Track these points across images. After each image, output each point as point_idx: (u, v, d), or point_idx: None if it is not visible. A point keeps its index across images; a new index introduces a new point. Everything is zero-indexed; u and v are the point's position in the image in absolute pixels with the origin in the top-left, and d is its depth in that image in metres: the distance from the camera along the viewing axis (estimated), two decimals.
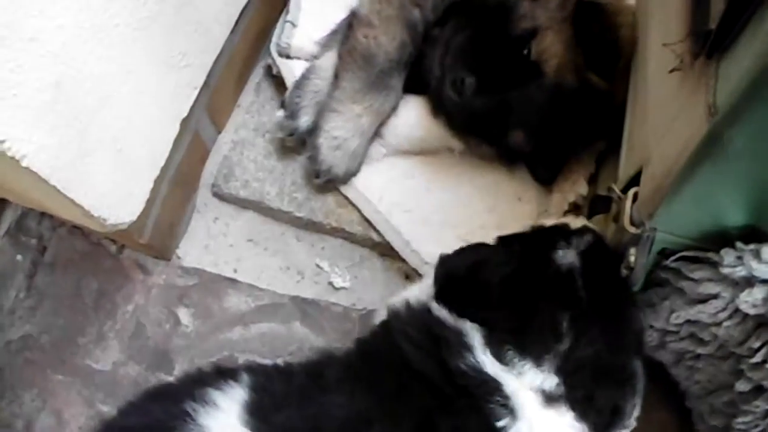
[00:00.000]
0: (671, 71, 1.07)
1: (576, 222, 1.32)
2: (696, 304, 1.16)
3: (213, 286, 1.66)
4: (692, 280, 1.14)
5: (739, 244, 1.06)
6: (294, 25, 1.77)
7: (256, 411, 1.11)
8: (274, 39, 1.81)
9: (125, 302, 1.66)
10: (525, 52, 1.50)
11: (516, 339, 1.08)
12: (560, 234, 1.25)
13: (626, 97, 1.44)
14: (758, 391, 1.14)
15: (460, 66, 1.54)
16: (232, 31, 1.65)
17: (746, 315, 1.09)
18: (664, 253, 1.17)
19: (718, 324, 1.14)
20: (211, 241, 1.73)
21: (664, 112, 1.14)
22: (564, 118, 1.53)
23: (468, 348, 1.08)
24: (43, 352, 1.62)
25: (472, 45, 1.54)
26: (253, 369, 1.23)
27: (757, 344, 1.10)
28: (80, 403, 1.57)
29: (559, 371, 1.07)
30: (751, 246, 1.04)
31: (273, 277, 1.68)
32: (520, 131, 1.56)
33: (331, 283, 1.68)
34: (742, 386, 1.15)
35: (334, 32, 1.74)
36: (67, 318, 1.65)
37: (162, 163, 1.47)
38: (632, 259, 1.21)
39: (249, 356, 1.59)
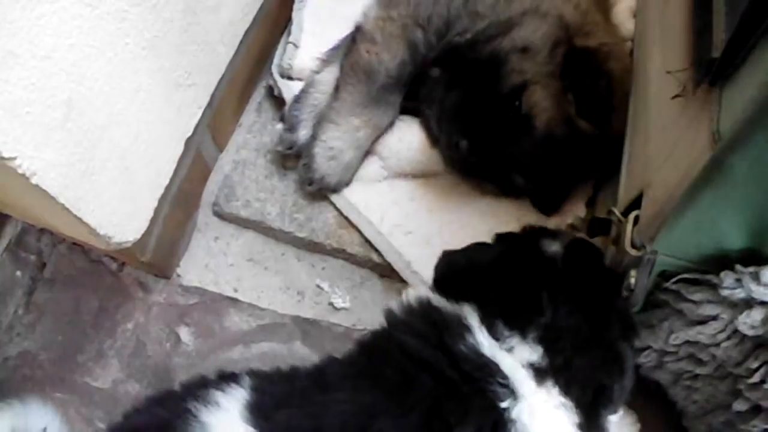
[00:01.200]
0: (673, 98, 1.09)
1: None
2: (695, 325, 1.16)
3: (214, 305, 1.66)
4: (692, 301, 1.15)
5: (738, 267, 1.07)
6: (296, 47, 1.79)
7: (258, 409, 1.12)
8: (275, 60, 1.83)
9: (125, 320, 1.65)
10: (516, 104, 1.53)
11: (504, 313, 1.13)
12: (549, 232, 1.35)
13: (624, 126, 1.46)
14: (756, 410, 1.15)
15: (454, 129, 1.58)
16: (235, 52, 1.67)
17: (745, 336, 1.10)
18: (664, 275, 1.18)
19: (717, 345, 1.15)
20: (212, 260, 1.73)
21: (666, 137, 1.15)
22: (558, 163, 1.57)
23: (468, 329, 1.12)
24: (42, 369, 1.61)
25: (464, 106, 1.57)
26: (255, 372, 1.24)
27: (755, 365, 1.11)
28: (79, 421, 1.56)
29: (542, 340, 1.11)
30: (751, 268, 1.05)
31: (273, 297, 1.69)
32: (519, 176, 1.61)
33: (331, 304, 1.68)
34: (740, 406, 1.16)
35: (335, 48, 1.76)
36: (66, 335, 1.64)
37: (166, 182, 1.48)
38: (632, 281, 1.22)
39: None
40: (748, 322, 1.07)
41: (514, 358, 1.10)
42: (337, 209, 1.70)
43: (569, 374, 1.09)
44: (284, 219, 1.70)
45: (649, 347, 1.28)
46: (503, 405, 1.06)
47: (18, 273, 1.70)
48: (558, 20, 1.56)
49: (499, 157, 1.56)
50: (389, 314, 1.24)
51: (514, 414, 1.06)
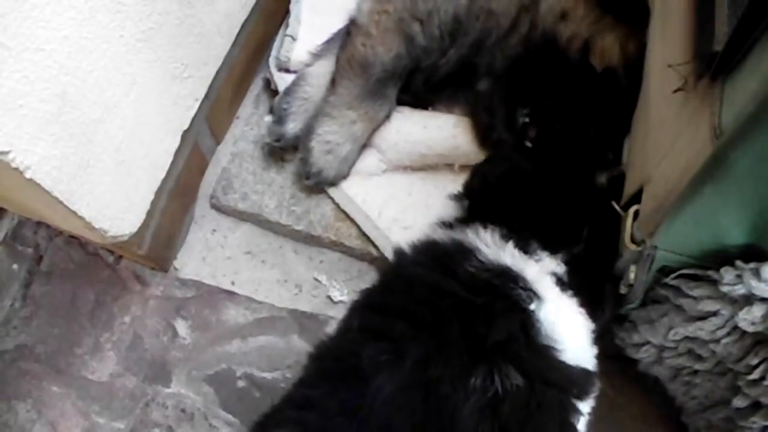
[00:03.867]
0: (674, 92, 1.08)
1: None
2: (695, 321, 1.16)
3: (211, 298, 1.66)
4: (692, 297, 1.14)
5: (738, 263, 1.06)
6: (294, 39, 1.78)
7: None
8: (273, 53, 1.81)
9: (122, 313, 1.65)
10: (590, 67, 1.52)
11: (541, 235, 1.23)
12: (605, 159, 1.45)
13: None
14: (756, 407, 1.14)
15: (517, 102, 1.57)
16: (233, 43, 1.66)
17: (745, 332, 1.09)
18: (664, 271, 1.18)
19: (717, 341, 1.14)
20: (209, 253, 1.72)
21: (666, 131, 1.14)
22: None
23: (471, 252, 1.20)
24: (39, 362, 1.61)
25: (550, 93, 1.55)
26: None
27: (755, 361, 1.10)
28: (75, 414, 1.56)
29: (568, 262, 1.23)
30: (751, 264, 1.04)
31: (270, 290, 1.68)
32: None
33: (329, 297, 1.67)
34: (739, 402, 1.16)
35: (327, 41, 1.75)
36: (63, 328, 1.64)
37: (163, 175, 1.47)
38: (632, 276, 1.22)
39: (247, 369, 1.58)
40: (749, 318, 1.06)
41: (541, 268, 1.20)
42: (335, 202, 1.69)
43: (583, 294, 1.21)
44: (282, 212, 1.69)
45: (648, 342, 1.28)
46: (530, 307, 1.14)
47: (15, 266, 1.69)
48: None
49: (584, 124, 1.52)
50: (399, 253, 1.30)
51: (541, 314, 1.14)
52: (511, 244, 1.20)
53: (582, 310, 1.20)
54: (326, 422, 1.08)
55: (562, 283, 1.20)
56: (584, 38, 1.53)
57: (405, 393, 1.07)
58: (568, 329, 1.16)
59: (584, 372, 1.17)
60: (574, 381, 1.15)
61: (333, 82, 1.65)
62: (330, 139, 1.62)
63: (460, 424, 1.06)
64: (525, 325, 1.12)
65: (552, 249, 1.22)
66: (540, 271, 1.19)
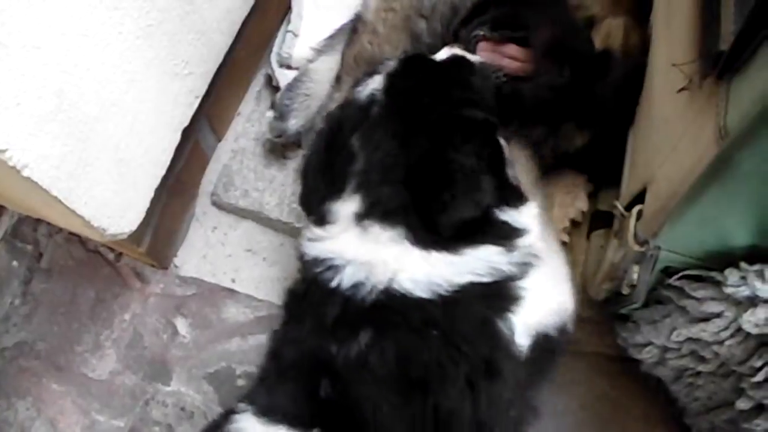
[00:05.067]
0: (679, 91, 1.07)
1: None
2: (698, 323, 1.15)
3: (211, 296, 1.65)
4: (695, 298, 1.14)
5: (743, 264, 1.05)
6: (295, 35, 1.76)
7: None
8: (275, 49, 1.80)
9: (122, 311, 1.65)
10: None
11: None
12: None
13: None
14: (759, 409, 1.14)
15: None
16: (234, 40, 1.64)
17: (749, 334, 1.08)
18: (667, 272, 1.17)
19: (720, 342, 1.13)
20: (210, 251, 1.71)
21: (670, 130, 1.13)
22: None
23: None
24: (38, 359, 1.61)
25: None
26: None
27: (759, 363, 1.10)
28: (75, 412, 1.56)
29: None
30: (756, 266, 1.04)
31: (271, 288, 1.67)
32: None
33: None
34: (743, 404, 1.15)
35: (330, 38, 1.72)
36: (62, 326, 1.64)
37: (163, 172, 1.46)
38: (635, 276, 1.21)
39: (247, 368, 1.58)
40: (753, 320, 1.06)
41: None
42: None
43: None
44: (283, 209, 1.68)
45: (651, 343, 1.27)
46: None
47: (14, 263, 1.69)
48: None
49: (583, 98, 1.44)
50: None
51: None
52: None
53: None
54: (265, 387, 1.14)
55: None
56: (593, 13, 1.47)
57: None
58: None
59: None
60: None
61: (338, 80, 1.63)
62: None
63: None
64: None
65: None
66: None
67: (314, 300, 1.12)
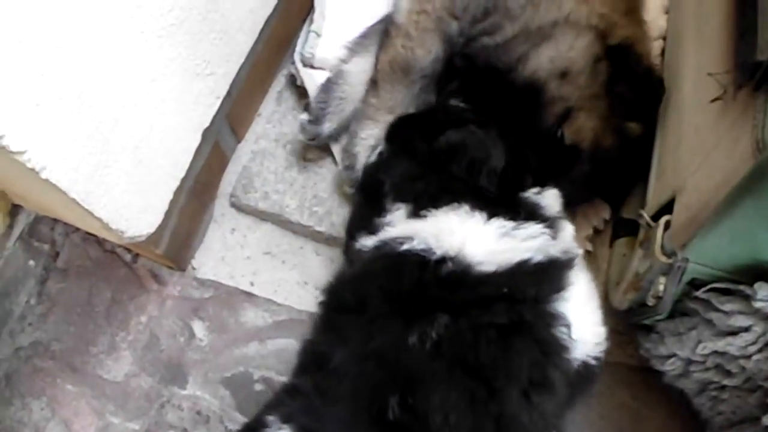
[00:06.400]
0: (712, 101, 1.05)
1: None
2: (725, 336, 1.14)
3: (229, 299, 1.64)
4: (722, 312, 1.12)
5: None
6: (318, 35, 1.74)
7: None
8: (297, 48, 1.78)
9: (139, 312, 1.63)
10: (559, 134, 1.41)
11: None
12: None
13: None
14: None
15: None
16: (256, 40, 1.63)
17: None
18: (694, 284, 1.16)
19: (748, 357, 1.12)
20: (228, 253, 1.70)
21: (701, 140, 1.11)
22: (611, 173, 1.48)
23: None
24: (54, 360, 1.60)
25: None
26: None
27: None
28: (90, 413, 1.55)
29: None
30: None
31: (290, 292, 1.65)
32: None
33: None
34: None
35: (363, 36, 1.70)
36: (78, 326, 1.63)
37: (182, 174, 1.45)
38: (661, 287, 1.20)
39: (265, 373, 1.56)
40: None
41: None
42: None
43: None
44: (303, 212, 1.66)
45: (675, 355, 1.25)
46: None
47: (31, 262, 1.68)
48: (593, 31, 1.42)
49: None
50: None
51: None
52: None
53: None
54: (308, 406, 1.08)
55: None
56: (568, 106, 1.41)
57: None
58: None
59: None
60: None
61: (374, 84, 1.60)
62: (374, 144, 1.56)
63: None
64: None
65: None
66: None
67: (380, 277, 1.17)
